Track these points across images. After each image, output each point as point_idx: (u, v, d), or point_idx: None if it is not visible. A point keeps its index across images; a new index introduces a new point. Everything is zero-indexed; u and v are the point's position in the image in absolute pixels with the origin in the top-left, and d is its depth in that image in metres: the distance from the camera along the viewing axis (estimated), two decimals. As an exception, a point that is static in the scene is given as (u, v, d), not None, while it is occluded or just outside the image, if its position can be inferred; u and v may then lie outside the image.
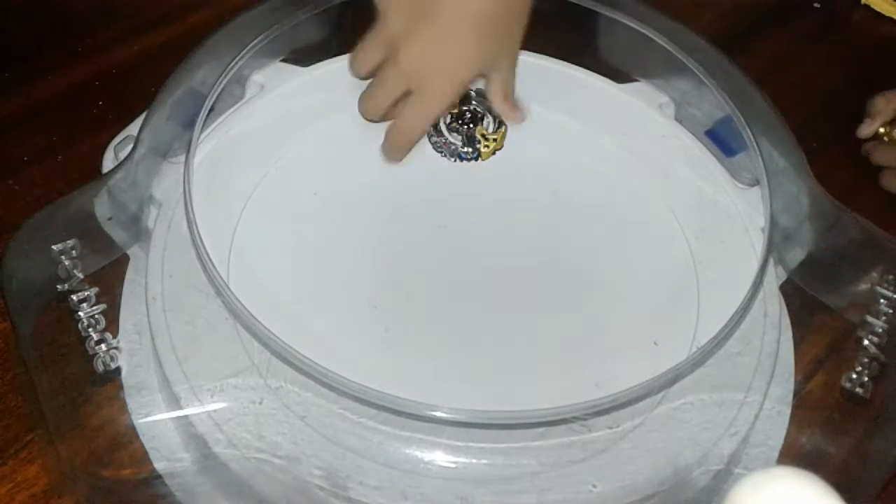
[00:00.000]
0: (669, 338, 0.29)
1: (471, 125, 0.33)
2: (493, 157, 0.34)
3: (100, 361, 0.26)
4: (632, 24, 0.36)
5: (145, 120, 0.30)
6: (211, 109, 0.32)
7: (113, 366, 0.26)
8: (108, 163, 0.33)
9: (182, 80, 0.32)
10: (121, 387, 0.27)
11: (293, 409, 0.25)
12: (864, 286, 0.29)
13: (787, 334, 0.30)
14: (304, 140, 0.33)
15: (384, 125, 0.34)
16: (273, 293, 0.29)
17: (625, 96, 0.36)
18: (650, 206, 0.33)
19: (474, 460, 0.25)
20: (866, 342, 0.28)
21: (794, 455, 0.28)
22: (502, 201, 0.33)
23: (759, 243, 0.31)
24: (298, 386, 0.26)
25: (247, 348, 0.27)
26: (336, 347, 0.27)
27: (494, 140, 0.33)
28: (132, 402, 0.27)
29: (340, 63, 0.36)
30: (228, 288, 0.26)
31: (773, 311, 0.29)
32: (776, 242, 0.31)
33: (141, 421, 0.27)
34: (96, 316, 0.26)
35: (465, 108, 0.34)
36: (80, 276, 0.27)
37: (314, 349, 0.25)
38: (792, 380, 0.29)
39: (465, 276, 0.30)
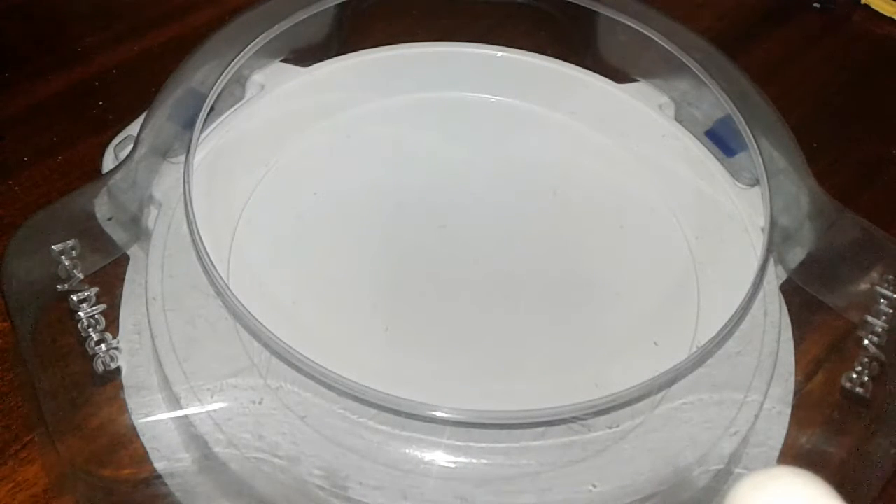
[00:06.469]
0: (669, 338, 0.29)
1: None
2: (493, 157, 0.34)
3: (100, 361, 0.26)
4: (632, 24, 0.36)
5: (145, 120, 0.30)
6: (211, 109, 0.32)
7: (113, 366, 0.26)
8: (108, 163, 0.32)
9: (182, 80, 0.32)
10: (121, 387, 0.27)
11: (293, 409, 0.25)
12: (864, 286, 0.29)
13: (787, 334, 0.30)
14: (304, 140, 0.33)
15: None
16: (273, 293, 0.29)
17: (625, 96, 0.36)
18: (650, 206, 0.33)
19: (474, 460, 0.25)
20: (866, 342, 0.28)
21: (794, 455, 0.28)
22: (502, 201, 0.33)
23: (759, 243, 0.31)
24: (298, 386, 0.26)
25: (247, 348, 0.27)
26: (336, 347, 0.27)
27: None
28: (132, 402, 0.27)
29: (340, 63, 0.36)
30: (228, 288, 0.26)
31: (773, 311, 0.29)
32: (776, 242, 0.31)
33: (141, 421, 0.27)
34: (96, 316, 0.26)
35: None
36: (80, 276, 0.27)
37: (314, 349, 0.25)
38: (792, 379, 0.29)
39: (464, 275, 0.30)
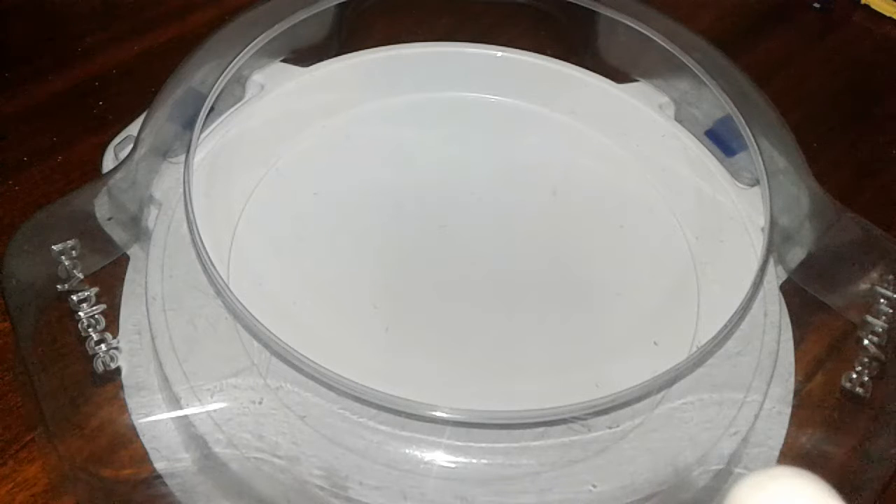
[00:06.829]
0: (669, 338, 0.29)
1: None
2: (493, 157, 0.34)
3: (100, 361, 0.26)
4: (632, 24, 0.36)
5: (145, 120, 0.30)
6: (211, 109, 0.32)
7: (113, 366, 0.26)
8: (108, 163, 0.32)
9: (182, 80, 0.32)
10: (121, 387, 0.27)
11: (293, 409, 0.25)
12: (864, 286, 0.29)
13: (787, 334, 0.30)
14: (304, 140, 0.33)
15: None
16: (273, 293, 0.29)
17: (625, 96, 0.36)
18: (650, 206, 0.33)
19: (474, 460, 0.25)
20: (866, 342, 0.28)
21: (794, 455, 0.28)
22: (502, 201, 0.33)
23: (759, 243, 0.31)
24: (298, 386, 0.26)
25: (247, 348, 0.27)
26: (336, 347, 0.27)
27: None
28: (132, 402, 0.27)
29: (340, 63, 0.36)
30: (228, 288, 0.26)
31: (773, 311, 0.29)
32: (776, 242, 0.31)
33: (141, 421, 0.27)
34: (96, 316, 0.26)
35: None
36: (80, 276, 0.27)
37: (314, 349, 0.25)
38: (792, 379, 0.29)
39: (464, 275, 0.30)
